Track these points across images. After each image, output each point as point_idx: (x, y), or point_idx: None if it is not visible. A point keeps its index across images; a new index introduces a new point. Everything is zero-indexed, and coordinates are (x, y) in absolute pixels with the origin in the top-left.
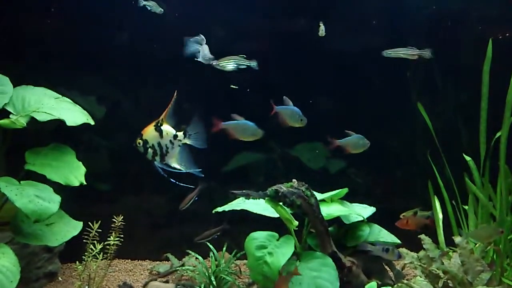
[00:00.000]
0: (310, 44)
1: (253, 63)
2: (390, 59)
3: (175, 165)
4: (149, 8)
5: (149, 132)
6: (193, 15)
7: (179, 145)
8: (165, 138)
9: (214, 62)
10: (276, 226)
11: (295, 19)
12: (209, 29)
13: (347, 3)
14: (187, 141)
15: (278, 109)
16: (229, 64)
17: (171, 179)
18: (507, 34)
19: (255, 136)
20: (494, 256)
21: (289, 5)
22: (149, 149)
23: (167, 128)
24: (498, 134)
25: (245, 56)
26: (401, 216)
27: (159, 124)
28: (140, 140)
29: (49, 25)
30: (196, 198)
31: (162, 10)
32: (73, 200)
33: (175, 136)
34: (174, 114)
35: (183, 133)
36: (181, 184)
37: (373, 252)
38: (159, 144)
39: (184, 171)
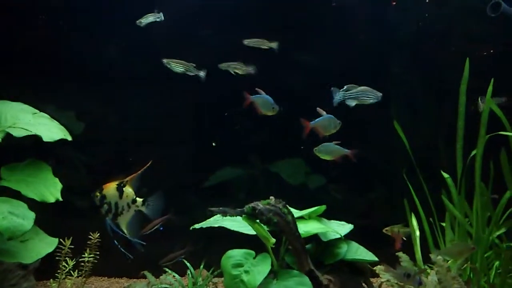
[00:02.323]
0: (288, 59)
1: (202, 73)
2: (371, 77)
3: (124, 228)
4: (151, 20)
5: (110, 189)
6: (176, 28)
7: (134, 210)
8: (124, 199)
9: (165, 60)
10: (255, 243)
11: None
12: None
13: (330, 18)
14: (143, 209)
15: (253, 98)
16: (178, 67)
17: (115, 241)
18: (485, 52)
19: (336, 128)
20: (471, 274)
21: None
22: (105, 205)
23: (128, 191)
24: (473, 152)
25: (194, 65)
26: (384, 231)
27: (122, 185)
28: (98, 193)
29: (26, 40)
30: (161, 229)
31: (159, 14)
32: (49, 216)
33: (134, 201)
34: (140, 180)
35: (143, 201)
36: (122, 249)
37: (393, 277)
38: (116, 203)
39: (129, 238)
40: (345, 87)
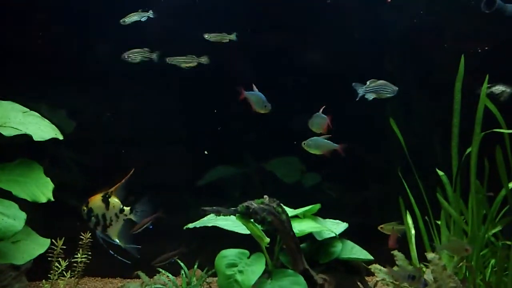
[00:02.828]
0: (284, 59)
1: (154, 56)
2: (367, 75)
3: (115, 238)
4: (135, 19)
5: (95, 201)
6: (170, 27)
7: (123, 220)
8: (111, 210)
9: (125, 55)
10: (249, 242)
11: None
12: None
13: (322, 17)
14: (132, 217)
15: (246, 94)
16: (136, 57)
17: (110, 251)
18: (479, 49)
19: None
20: (467, 273)
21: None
22: (93, 218)
23: (114, 201)
24: (468, 150)
25: (148, 49)
26: (379, 228)
27: (107, 196)
28: (85, 207)
29: (17, 38)
30: (151, 227)
31: (144, 13)
32: (41, 217)
33: (121, 210)
34: (125, 188)
35: (130, 209)
36: (119, 258)
37: (398, 277)
38: (103, 215)
39: (123, 246)
40: (367, 82)
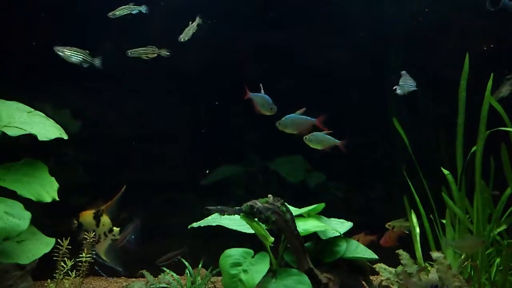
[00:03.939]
0: (287, 58)
1: (97, 61)
2: (369, 74)
3: (102, 255)
4: (126, 12)
5: (86, 217)
6: (172, 25)
7: (111, 239)
8: (101, 228)
9: (58, 49)
10: (254, 241)
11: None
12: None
13: (325, 15)
14: (119, 238)
15: (251, 96)
16: (73, 56)
17: (96, 267)
18: (485, 47)
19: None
20: (472, 272)
21: None
22: (82, 233)
23: (105, 220)
24: (473, 149)
25: (89, 52)
26: (387, 226)
27: (99, 213)
28: (76, 221)
29: (21, 38)
30: (132, 237)
31: (135, 7)
32: (46, 216)
33: (111, 230)
34: (116, 207)
35: (120, 231)
36: (104, 275)
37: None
38: (93, 231)
39: (108, 264)
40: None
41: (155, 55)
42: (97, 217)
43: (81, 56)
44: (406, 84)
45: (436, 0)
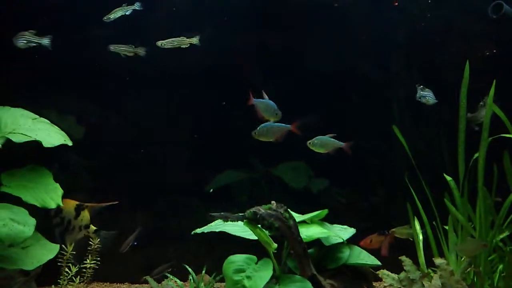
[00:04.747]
0: (292, 63)
1: (45, 41)
2: (372, 79)
3: (68, 245)
4: (120, 14)
5: (68, 205)
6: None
7: (83, 235)
8: (78, 221)
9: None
10: (257, 248)
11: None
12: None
13: (328, 21)
14: (92, 236)
15: (255, 102)
16: (19, 40)
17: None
18: (487, 53)
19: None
20: (475, 278)
21: None
22: (57, 218)
23: (85, 215)
24: (476, 155)
25: (35, 32)
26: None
27: (81, 207)
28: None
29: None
30: (135, 243)
31: (128, 7)
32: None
33: (87, 226)
34: (99, 212)
35: (95, 230)
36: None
37: None
38: (69, 220)
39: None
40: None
41: (132, 54)
42: (78, 210)
43: (24, 38)
44: (426, 96)
45: (439, 4)
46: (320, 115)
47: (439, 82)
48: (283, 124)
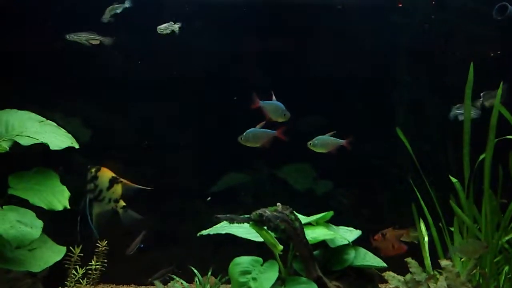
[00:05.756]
0: (293, 67)
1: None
2: (376, 82)
3: (90, 218)
4: (114, 12)
5: (104, 176)
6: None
7: (111, 208)
8: (109, 192)
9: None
10: (262, 249)
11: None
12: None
13: (330, 24)
14: (120, 212)
15: (262, 104)
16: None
17: (78, 217)
18: (492, 54)
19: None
20: (481, 280)
21: None
22: (92, 184)
23: (118, 188)
24: (482, 157)
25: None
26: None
27: (117, 180)
28: (93, 170)
29: (34, 47)
30: (141, 245)
31: (122, 4)
32: (57, 224)
33: (117, 200)
34: (132, 192)
35: (123, 206)
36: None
37: None
38: (101, 190)
39: (89, 223)
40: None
41: (98, 42)
42: (112, 182)
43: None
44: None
45: (441, 9)
46: (324, 117)
47: (443, 83)
48: (268, 130)
